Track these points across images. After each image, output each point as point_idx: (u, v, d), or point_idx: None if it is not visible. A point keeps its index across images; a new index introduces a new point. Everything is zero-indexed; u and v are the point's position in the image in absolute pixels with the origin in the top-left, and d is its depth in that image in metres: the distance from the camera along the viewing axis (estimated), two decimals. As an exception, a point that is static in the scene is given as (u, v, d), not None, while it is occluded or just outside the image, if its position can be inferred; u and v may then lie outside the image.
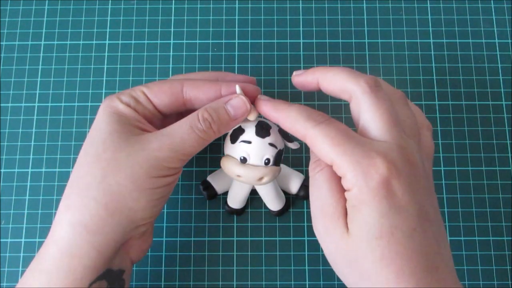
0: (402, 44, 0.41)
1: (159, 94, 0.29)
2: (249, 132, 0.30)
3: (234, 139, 0.30)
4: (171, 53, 0.41)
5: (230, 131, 0.31)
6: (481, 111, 0.39)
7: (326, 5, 0.42)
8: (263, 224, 0.37)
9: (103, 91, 0.40)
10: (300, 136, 0.26)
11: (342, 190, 0.25)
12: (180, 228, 0.37)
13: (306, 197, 0.36)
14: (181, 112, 0.32)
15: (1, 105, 0.39)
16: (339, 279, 0.26)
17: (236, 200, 0.35)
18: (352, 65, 0.40)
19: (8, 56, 0.40)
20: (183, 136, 0.27)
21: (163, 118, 0.31)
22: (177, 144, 0.27)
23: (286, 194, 0.36)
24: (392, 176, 0.23)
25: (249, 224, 0.37)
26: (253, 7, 0.42)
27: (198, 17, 0.41)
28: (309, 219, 0.27)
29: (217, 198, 0.37)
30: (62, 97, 0.39)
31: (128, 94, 0.29)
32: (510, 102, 0.39)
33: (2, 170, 0.38)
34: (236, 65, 0.40)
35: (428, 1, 0.42)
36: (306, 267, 0.36)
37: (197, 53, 0.41)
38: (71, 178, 0.27)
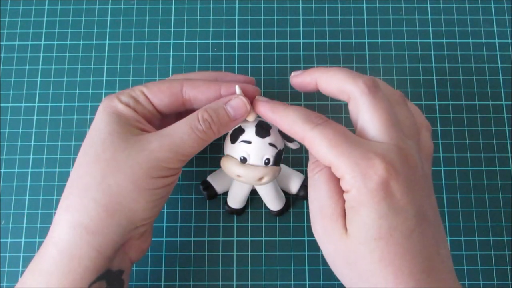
0: (402, 44, 0.41)
1: (158, 94, 0.29)
2: (249, 132, 0.30)
3: (234, 139, 0.30)
4: (171, 53, 0.41)
5: (230, 131, 0.31)
6: (481, 111, 0.39)
7: (326, 5, 0.42)
8: (263, 224, 0.37)
9: (103, 91, 0.40)
10: (298, 138, 0.26)
11: (341, 191, 0.25)
12: (180, 228, 0.37)
13: (306, 197, 0.36)
14: (181, 112, 0.32)
15: (1, 105, 0.39)
16: (339, 279, 0.26)
17: (236, 200, 0.35)
18: (352, 65, 0.40)
19: (8, 56, 0.40)
20: (183, 136, 0.27)
21: (162, 118, 0.31)
22: (176, 144, 0.27)
23: (286, 194, 0.36)
24: (390, 177, 0.23)
25: (249, 224, 0.37)
26: (253, 7, 0.42)
27: (198, 17, 0.41)
28: (309, 219, 0.27)
29: (217, 198, 0.37)
30: (62, 97, 0.39)
31: (128, 94, 0.29)
32: (510, 102, 0.39)
33: (2, 170, 0.38)
34: (236, 65, 0.40)
35: (428, 1, 0.42)
36: (306, 267, 0.36)
37: (197, 53, 0.41)
38: (70, 179, 0.27)
